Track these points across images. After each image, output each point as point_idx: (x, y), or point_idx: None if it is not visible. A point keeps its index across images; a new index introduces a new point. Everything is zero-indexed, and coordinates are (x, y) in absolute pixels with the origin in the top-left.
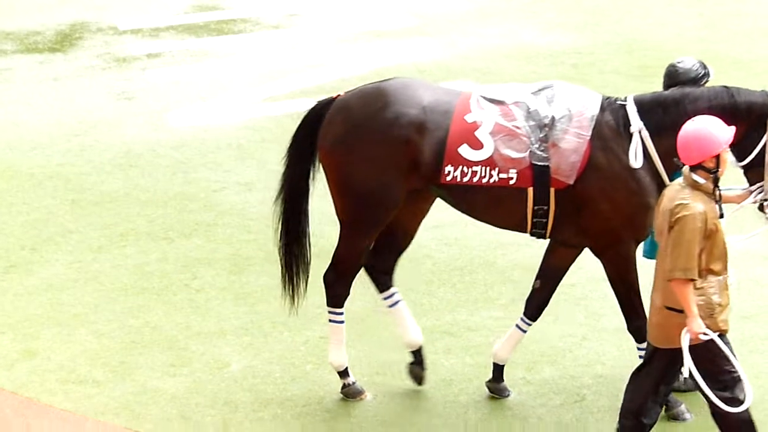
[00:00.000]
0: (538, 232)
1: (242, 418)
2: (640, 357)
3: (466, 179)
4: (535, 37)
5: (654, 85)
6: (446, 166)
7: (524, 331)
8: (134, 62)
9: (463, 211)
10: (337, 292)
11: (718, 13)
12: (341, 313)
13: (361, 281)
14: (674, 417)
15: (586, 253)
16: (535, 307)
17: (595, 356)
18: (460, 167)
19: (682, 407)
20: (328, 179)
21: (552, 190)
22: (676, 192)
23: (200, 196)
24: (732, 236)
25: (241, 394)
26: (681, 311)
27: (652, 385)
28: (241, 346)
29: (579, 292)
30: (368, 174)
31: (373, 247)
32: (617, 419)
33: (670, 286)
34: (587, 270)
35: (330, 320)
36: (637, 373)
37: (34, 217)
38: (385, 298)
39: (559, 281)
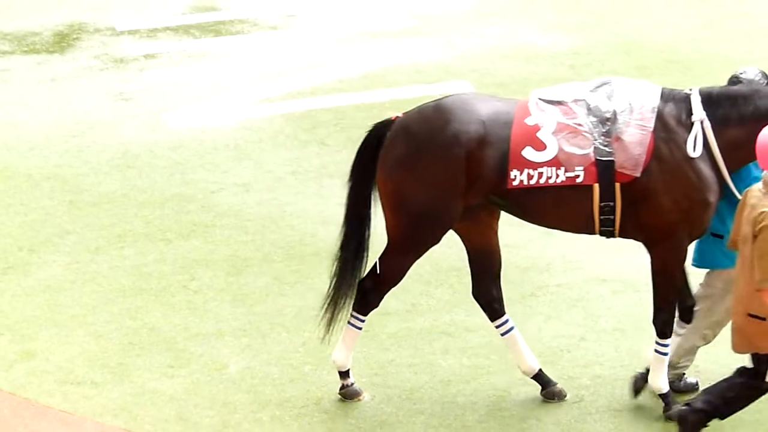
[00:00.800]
0: (606, 230)
1: (240, 419)
2: (657, 351)
3: (533, 182)
4: (533, 37)
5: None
6: (511, 170)
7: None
8: (132, 63)
9: (528, 219)
10: (369, 300)
11: (718, 14)
12: (363, 321)
13: None
14: (670, 417)
15: (580, 254)
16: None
17: (593, 357)
18: (526, 170)
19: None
20: (382, 198)
21: (617, 185)
22: (758, 199)
23: (198, 197)
24: None
25: (239, 395)
26: (764, 319)
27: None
28: (240, 347)
29: (576, 293)
30: (428, 194)
31: (473, 280)
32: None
33: (757, 295)
34: (585, 271)
35: (349, 322)
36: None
37: (32, 218)
38: (498, 326)
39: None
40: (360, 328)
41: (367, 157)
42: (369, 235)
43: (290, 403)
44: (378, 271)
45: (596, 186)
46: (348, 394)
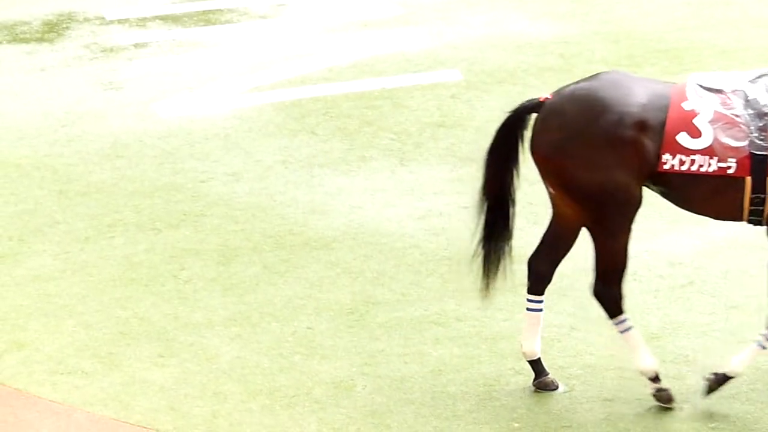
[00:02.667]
0: (755, 220)
1: (231, 408)
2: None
3: (684, 167)
4: (522, 26)
5: (639, 74)
6: (664, 154)
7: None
8: (121, 52)
9: (679, 204)
10: (614, 298)
11: (706, 3)
12: (626, 319)
13: (353, 270)
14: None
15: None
16: None
17: (583, 346)
18: (678, 156)
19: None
20: (549, 183)
21: None
22: None
23: (188, 187)
24: None
25: (229, 384)
26: None
27: None
28: (230, 336)
29: (566, 282)
30: (602, 178)
31: (539, 248)
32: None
33: None
34: (575, 260)
35: (619, 331)
36: None
37: (21, 208)
38: (529, 300)
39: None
40: (629, 328)
41: (510, 137)
42: (514, 215)
43: (280, 392)
44: (598, 265)
45: (748, 179)
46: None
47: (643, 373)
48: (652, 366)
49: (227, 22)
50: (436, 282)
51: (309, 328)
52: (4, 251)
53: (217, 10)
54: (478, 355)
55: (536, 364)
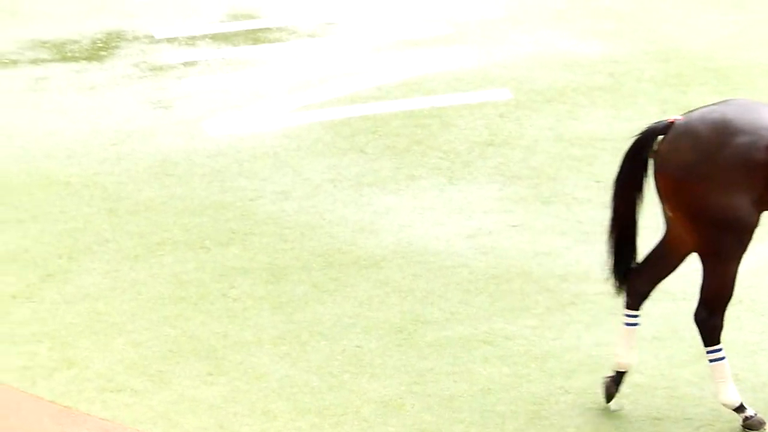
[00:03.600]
0: None
1: (280, 427)
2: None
3: None
4: (571, 45)
5: (688, 93)
6: None
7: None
8: (170, 71)
9: None
10: (715, 326)
11: (754, 21)
12: (721, 350)
13: (402, 289)
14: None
15: None
16: None
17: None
18: None
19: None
20: (671, 207)
21: None
22: None
23: (236, 205)
24: None
25: (278, 403)
26: None
27: None
28: (279, 355)
29: (614, 301)
30: (730, 201)
31: (643, 264)
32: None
33: None
34: None
35: (710, 360)
36: None
37: (71, 226)
38: (627, 315)
39: None
40: (723, 358)
41: (639, 159)
42: (637, 238)
43: (329, 411)
44: (706, 292)
45: None
46: (752, 426)
47: (725, 406)
48: (735, 400)
49: (276, 40)
50: (485, 301)
51: (358, 346)
52: (54, 269)
53: (266, 28)
54: (527, 374)
55: (620, 376)
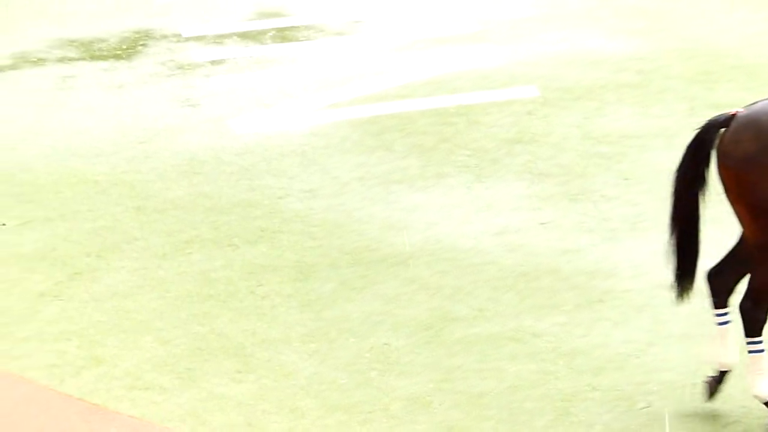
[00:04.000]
0: None
1: (308, 424)
2: None
3: None
4: (598, 43)
5: (716, 90)
6: None
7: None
8: (198, 69)
9: None
10: (759, 319)
11: None
12: (761, 342)
13: (430, 286)
14: None
15: (646, 259)
16: None
17: (661, 363)
18: None
19: None
20: (733, 199)
21: None
22: None
23: (264, 203)
24: None
25: (306, 400)
26: None
27: None
28: (307, 352)
29: (643, 298)
30: None
31: (722, 262)
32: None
33: None
34: (651, 276)
35: (749, 351)
36: None
37: (99, 224)
38: (717, 315)
39: None
40: (762, 351)
41: (701, 154)
42: (700, 236)
43: (357, 408)
44: (753, 283)
45: None
46: None
47: (757, 398)
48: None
49: (304, 39)
50: (513, 298)
51: (386, 344)
52: (82, 267)
53: (293, 27)
54: (555, 371)
55: (722, 376)
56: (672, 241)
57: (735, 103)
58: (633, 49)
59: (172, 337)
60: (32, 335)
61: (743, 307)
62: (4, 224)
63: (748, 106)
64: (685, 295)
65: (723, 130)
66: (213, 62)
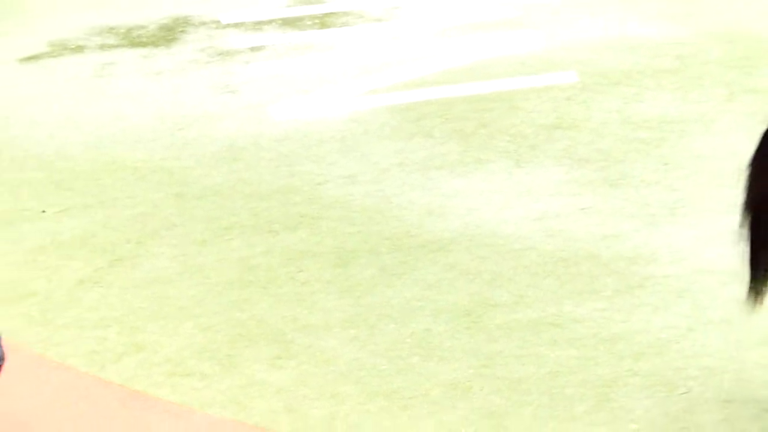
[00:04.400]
0: None
1: (348, 410)
2: None
3: None
4: (636, 27)
5: (754, 75)
6: None
7: None
8: (237, 56)
9: None
10: None
11: None
12: None
13: (470, 272)
14: None
15: (686, 245)
16: None
17: (701, 348)
18: None
19: None
20: None
21: None
22: None
23: (304, 189)
24: None
25: (347, 386)
26: None
27: None
28: (347, 338)
29: (683, 284)
30: None
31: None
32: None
33: None
34: (691, 261)
35: None
36: None
37: (139, 211)
38: None
39: None
40: None
41: None
42: None
43: (398, 394)
44: None
45: None
46: None
47: None
48: None
49: (343, 25)
50: (554, 283)
51: (426, 329)
52: (122, 254)
53: (332, 13)
54: (595, 357)
55: None
56: (744, 235)
57: None
58: (670, 34)
59: (213, 323)
60: (72, 322)
61: None
62: (43, 211)
63: None
64: (761, 290)
65: None
66: (252, 49)
